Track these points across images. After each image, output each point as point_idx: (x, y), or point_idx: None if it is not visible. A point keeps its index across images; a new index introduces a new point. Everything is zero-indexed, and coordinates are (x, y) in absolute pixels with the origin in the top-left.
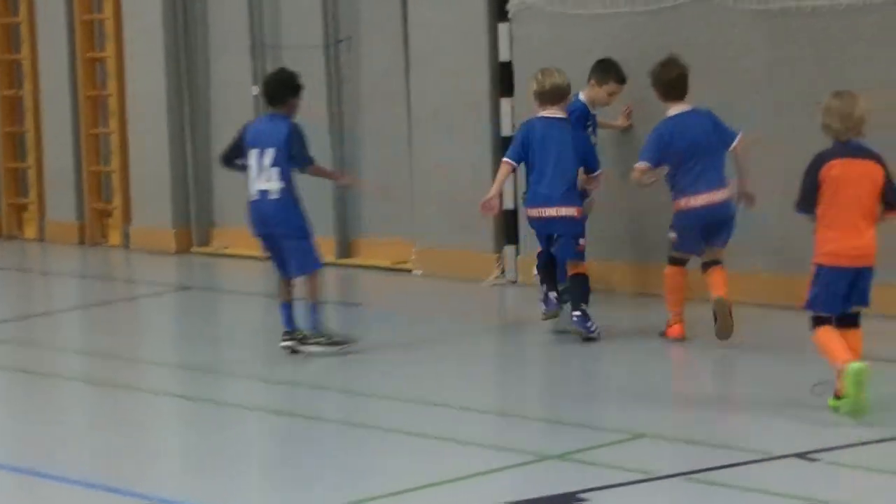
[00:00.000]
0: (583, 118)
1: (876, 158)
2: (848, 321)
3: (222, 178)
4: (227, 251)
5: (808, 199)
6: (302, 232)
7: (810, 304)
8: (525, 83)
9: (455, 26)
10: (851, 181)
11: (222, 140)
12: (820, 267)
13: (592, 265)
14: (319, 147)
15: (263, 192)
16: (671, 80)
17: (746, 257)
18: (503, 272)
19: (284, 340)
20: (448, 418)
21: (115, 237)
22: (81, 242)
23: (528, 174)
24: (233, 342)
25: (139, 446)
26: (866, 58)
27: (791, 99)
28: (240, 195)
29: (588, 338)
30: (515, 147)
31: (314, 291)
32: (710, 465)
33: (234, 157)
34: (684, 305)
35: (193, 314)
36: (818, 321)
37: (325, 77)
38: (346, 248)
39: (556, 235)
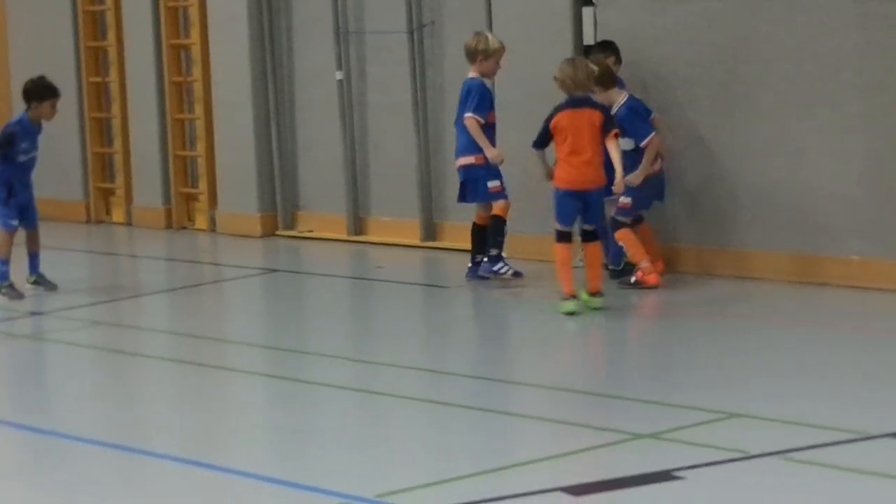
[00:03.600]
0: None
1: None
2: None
3: (307, 163)
4: (312, 234)
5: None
6: None
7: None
8: None
9: (539, 11)
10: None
11: (307, 125)
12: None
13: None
14: (405, 131)
15: None
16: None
17: (842, 241)
18: None
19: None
20: (540, 398)
21: (201, 221)
22: (168, 227)
23: None
24: (318, 322)
25: (226, 423)
26: None
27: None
28: (324, 180)
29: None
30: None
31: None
32: (805, 445)
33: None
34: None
35: (280, 296)
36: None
37: (408, 62)
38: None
39: None
